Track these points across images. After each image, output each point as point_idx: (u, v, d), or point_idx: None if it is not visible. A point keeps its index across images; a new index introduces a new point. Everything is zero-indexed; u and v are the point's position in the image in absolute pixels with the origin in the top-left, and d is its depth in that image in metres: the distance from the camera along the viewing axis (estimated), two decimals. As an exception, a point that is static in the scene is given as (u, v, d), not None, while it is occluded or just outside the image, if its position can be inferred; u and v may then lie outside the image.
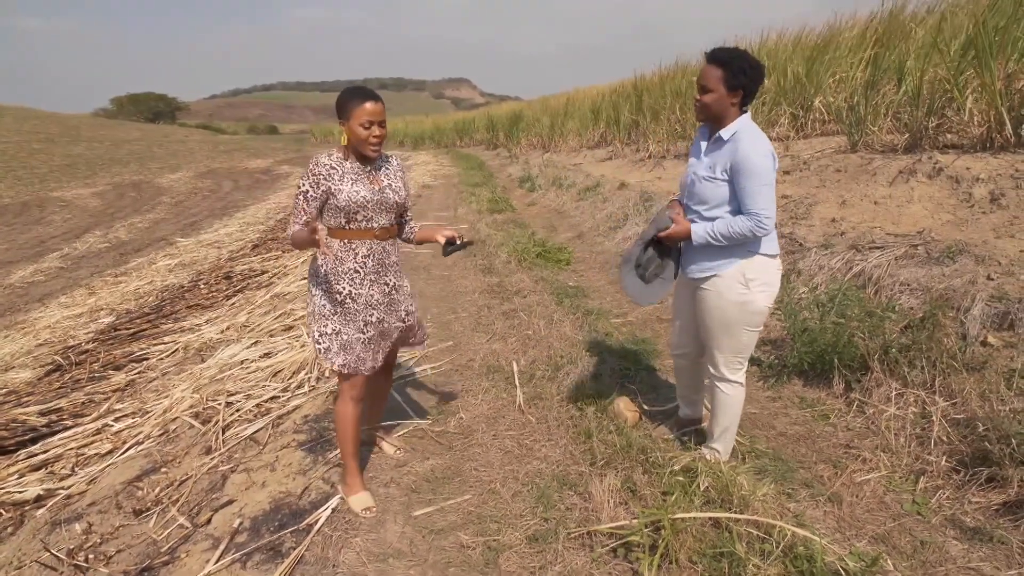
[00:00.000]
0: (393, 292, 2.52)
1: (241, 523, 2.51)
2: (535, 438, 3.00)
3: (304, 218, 2.26)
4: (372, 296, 2.43)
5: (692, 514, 2.16)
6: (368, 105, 2.24)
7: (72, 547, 2.67)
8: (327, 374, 4.02)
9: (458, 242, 2.53)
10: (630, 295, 2.68)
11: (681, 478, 2.44)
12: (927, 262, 3.91)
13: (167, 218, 18.80)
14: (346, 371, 2.43)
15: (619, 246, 7.05)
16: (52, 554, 2.62)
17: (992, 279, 3.45)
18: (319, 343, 2.42)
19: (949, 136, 5.61)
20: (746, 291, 2.41)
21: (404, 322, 2.61)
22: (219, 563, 2.28)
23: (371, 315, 2.45)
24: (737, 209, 2.38)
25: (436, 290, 5.87)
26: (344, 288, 2.38)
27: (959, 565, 2.09)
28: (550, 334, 4.25)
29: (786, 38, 9.00)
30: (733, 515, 2.16)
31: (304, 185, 2.29)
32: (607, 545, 2.18)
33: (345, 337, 2.40)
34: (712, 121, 2.44)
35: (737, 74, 2.30)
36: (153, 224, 17.89)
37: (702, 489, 2.36)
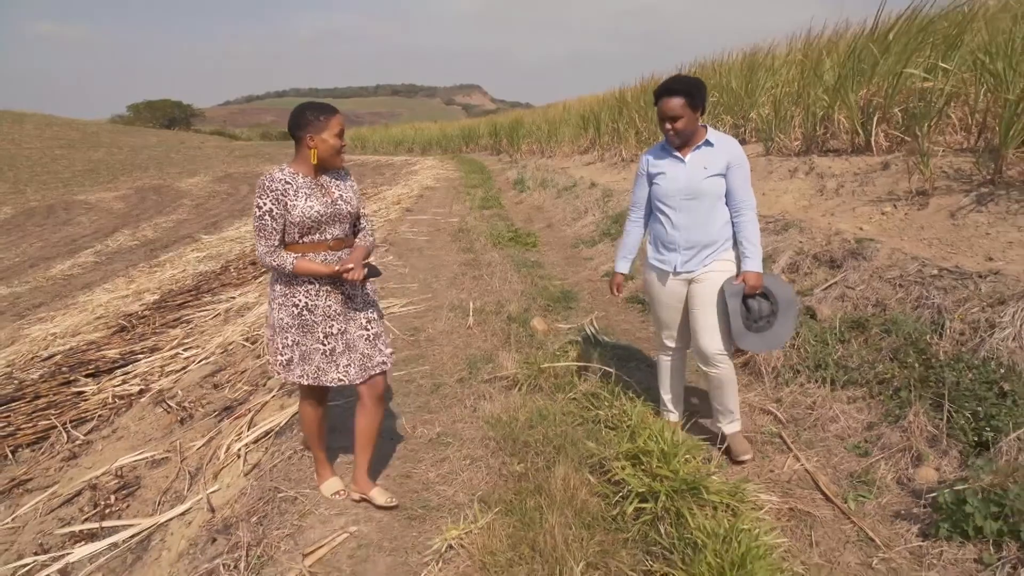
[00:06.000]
0: (350, 301, 2.50)
1: (285, 383, 4.04)
2: (476, 340, 4.53)
3: (277, 238, 2.33)
4: (330, 307, 2.45)
5: (552, 364, 3.69)
6: (339, 117, 2.35)
7: (178, 402, 4.22)
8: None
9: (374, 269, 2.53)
10: (764, 348, 2.89)
11: (558, 352, 3.96)
12: (770, 233, 5.40)
13: (189, 219, 20.30)
14: (306, 382, 2.48)
15: (577, 232, 8.61)
16: (167, 403, 4.17)
17: (801, 242, 4.94)
18: (282, 355, 2.47)
19: (833, 143, 7.10)
20: (734, 266, 2.83)
21: (367, 330, 2.53)
22: (273, 396, 3.82)
23: (331, 326, 2.46)
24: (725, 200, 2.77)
25: (425, 264, 7.41)
26: (300, 301, 2.41)
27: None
28: (503, 288, 5.78)
29: (723, 59, 10.48)
30: (576, 363, 3.69)
31: (266, 203, 2.28)
32: (503, 382, 3.71)
33: (304, 348, 2.45)
34: (686, 142, 2.73)
35: (696, 96, 2.62)
36: (177, 224, 19.40)
37: (571, 357, 3.87)
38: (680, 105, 2.61)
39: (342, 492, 2.71)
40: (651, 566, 2.06)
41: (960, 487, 2.22)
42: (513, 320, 4.74)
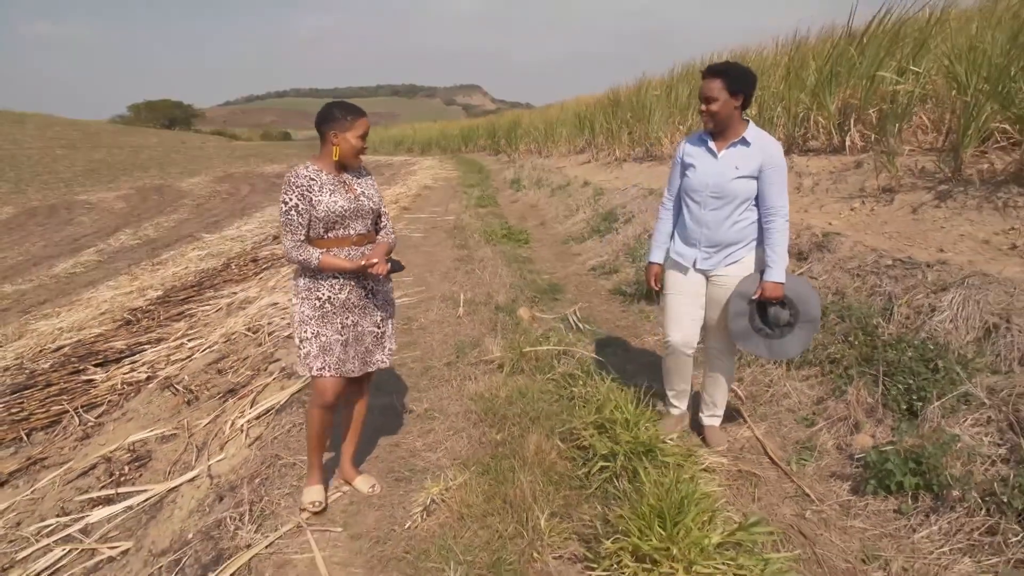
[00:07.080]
0: (371, 296, 2.61)
1: (285, 367, 4.32)
2: (464, 328, 4.81)
3: (303, 232, 2.41)
4: (349, 299, 2.54)
5: (534, 348, 3.96)
6: (365, 120, 2.44)
7: (185, 386, 4.49)
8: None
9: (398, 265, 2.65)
10: (768, 355, 2.84)
11: (541, 338, 4.23)
12: (747, 228, 5.68)
13: (190, 218, 20.51)
14: (326, 373, 2.51)
15: (568, 229, 8.90)
16: (174, 388, 4.45)
17: (774, 236, 5.22)
18: (301, 347, 2.53)
19: (813, 143, 7.38)
20: (754, 266, 2.79)
21: (378, 327, 2.66)
22: (274, 378, 4.09)
23: (347, 317, 2.55)
24: (754, 203, 2.68)
25: (421, 259, 7.69)
26: (324, 294, 2.50)
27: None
28: (493, 281, 6.06)
29: (713, 60, 10.71)
30: (556, 348, 3.96)
31: (291, 199, 2.37)
32: (488, 365, 3.98)
33: (324, 339, 2.50)
34: (720, 127, 2.62)
35: (735, 80, 2.53)
36: (178, 223, 19.62)
37: (553, 342, 4.15)
38: (717, 87, 2.54)
39: (317, 504, 2.62)
40: (608, 514, 2.34)
41: (886, 448, 2.49)
42: (500, 310, 5.02)
